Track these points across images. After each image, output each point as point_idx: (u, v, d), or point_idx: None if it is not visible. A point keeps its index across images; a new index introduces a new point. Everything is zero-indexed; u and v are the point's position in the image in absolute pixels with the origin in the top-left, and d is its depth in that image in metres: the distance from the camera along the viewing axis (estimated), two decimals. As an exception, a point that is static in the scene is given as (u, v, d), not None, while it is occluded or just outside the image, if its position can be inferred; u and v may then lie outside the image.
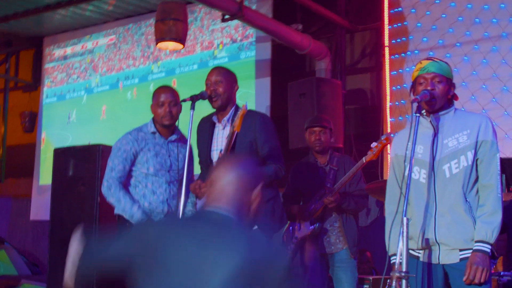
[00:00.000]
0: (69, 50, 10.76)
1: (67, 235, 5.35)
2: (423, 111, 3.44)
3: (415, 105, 3.37)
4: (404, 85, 7.86)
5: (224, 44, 8.84)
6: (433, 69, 3.44)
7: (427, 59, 3.56)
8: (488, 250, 3.25)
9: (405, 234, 3.13)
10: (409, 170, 3.30)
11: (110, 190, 4.42)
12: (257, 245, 2.27)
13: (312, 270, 4.44)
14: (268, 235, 4.12)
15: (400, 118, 7.84)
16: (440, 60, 3.53)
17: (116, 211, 4.50)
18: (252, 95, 8.41)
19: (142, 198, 4.43)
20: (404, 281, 3.10)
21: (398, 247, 3.14)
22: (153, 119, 4.56)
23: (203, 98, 4.23)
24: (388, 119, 7.84)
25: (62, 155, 5.62)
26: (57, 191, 5.65)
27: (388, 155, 6.75)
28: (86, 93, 10.36)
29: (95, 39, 10.48)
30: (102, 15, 10.01)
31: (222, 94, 4.26)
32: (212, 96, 4.26)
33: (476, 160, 3.37)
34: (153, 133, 4.52)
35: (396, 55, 7.98)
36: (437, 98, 3.40)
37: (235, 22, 7.75)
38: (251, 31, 8.51)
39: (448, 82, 3.47)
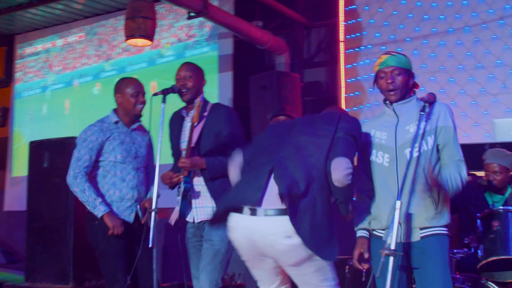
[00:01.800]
0: (40, 48, 11.11)
1: (43, 224, 5.63)
2: (387, 102, 3.69)
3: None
4: (358, 77, 8.30)
5: (171, 43, 9.31)
6: (392, 62, 3.66)
7: (386, 53, 3.75)
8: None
9: (396, 216, 3.30)
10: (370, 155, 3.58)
11: (76, 180, 4.51)
12: None
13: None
14: None
15: (355, 108, 8.26)
16: (399, 53, 3.74)
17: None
18: (214, 93, 8.77)
19: (112, 187, 4.55)
20: (391, 258, 3.26)
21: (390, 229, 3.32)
22: (115, 110, 4.69)
23: (174, 92, 4.37)
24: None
25: (37, 148, 5.77)
26: (33, 182, 5.78)
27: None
28: (50, 89, 10.78)
29: (64, 37, 10.85)
30: (71, 13, 10.30)
31: (191, 88, 4.41)
32: (182, 90, 4.41)
33: (437, 145, 3.57)
34: (116, 122, 4.64)
35: (351, 50, 8.40)
36: (398, 89, 3.63)
37: (181, 23, 8.09)
38: (195, 31, 9.00)
39: (407, 73, 3.67)
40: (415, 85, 3.74)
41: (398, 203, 3.32)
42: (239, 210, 3.37)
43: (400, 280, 3.58)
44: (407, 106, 3.67)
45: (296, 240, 3.23)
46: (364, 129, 3.78)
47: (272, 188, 3.33)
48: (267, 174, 3.39)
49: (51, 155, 5.68)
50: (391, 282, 3.33)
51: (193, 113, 4.31)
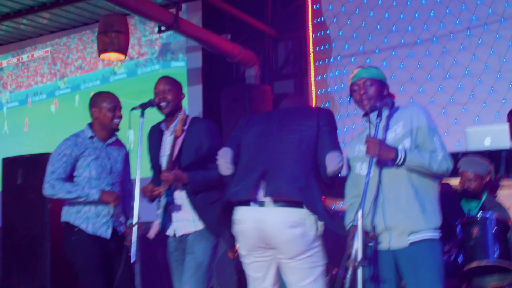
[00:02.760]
0: (4, 63, 11.00)
1: (18, 241, 5.57)
2: (364, 117, 3.75)
3: (374, 113, 3.60)
4: (328, 89, 8.38)
5: (122, 61, 9.36)
6: (364, 74, 3.74)
7: (359, 67, 3.85)
8: (400, 155, 3.48)
9: (359, 225, 3.32)
10: (368, 168, 3.49)
11: (54, 188, 4.49)
12: None
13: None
14: (215, 234, 4.32)
15: (325, 120, 8.31)
16: (370, 66, 3.84)
17: (63, 218, 4.61)
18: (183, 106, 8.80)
19: (88, 203, 4.50)
20: (360, 269, 3.29)
21: (354, 239, 3.35)
22: (90, 124, 4.67)
23: (152, 106, 4.38)
24: (315, 121, 8.30)
25: (10, 164, 5.73)
26: (7, 199, 5.73)
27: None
28: (6, 107, 10.86)
29: (29, 53, 10.77)
30: (36, 28, 10.22)
31: (171, 101, 4.43)
32: (161, 103, 4.41)
33: (417, 147, 3.60)
34: (91, 137, 4.63)
35: (320, 62, 8.49)
36: (371, 98, 3.69)
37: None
38: (146, 49, 9.21)
39: (380, 83, 3.74)
40: (391, 95, 3.78)
41: (359, 213, 3.36)
42: (245, 203, 3.62)
43: (389, 286, 3.62)
44: (383, 115, 3.69)
45: (300, 230, 3.51)
46: (350, 146, 3.90)
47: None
48: (260, 175, 3.63)
49: (25, 171, 5.63)
50: None
51: (174, 126, 4.40)
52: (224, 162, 3.87)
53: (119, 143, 4.78)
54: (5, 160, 5.79)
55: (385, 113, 3.71)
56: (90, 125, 4.68)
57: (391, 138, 3.64)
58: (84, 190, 4.48)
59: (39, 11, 9.21)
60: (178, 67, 9.13)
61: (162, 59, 9.31)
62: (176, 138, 4.23)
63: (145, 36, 9.41)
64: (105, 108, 4.62)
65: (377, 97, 3.70)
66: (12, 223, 5.66)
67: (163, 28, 7.29)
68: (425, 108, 3.73)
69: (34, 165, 5.61)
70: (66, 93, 10.10)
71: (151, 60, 9.38)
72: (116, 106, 4.64)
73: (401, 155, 3.50)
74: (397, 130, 3.65)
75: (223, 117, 8.01)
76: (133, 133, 7.92)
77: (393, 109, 3.74)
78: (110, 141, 4.69)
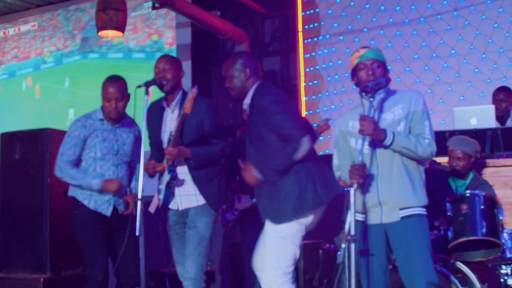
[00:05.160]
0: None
1: (17, 215, 5.64)
2: (363, 93, 3.84)
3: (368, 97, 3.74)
4: (317, 67, 8.52)
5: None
6: (371, 55, 3.87)
7: (364, 47, 3.97)
8: (389, 136, 3.67)
9: (352, 200, 3.53)
10: (361, 145, 3.69)
11: (62, 172, 4.72)
12: None
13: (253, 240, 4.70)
14: (214, 209, 4.50)
15: (313, 97, 8.48)
16: (375, 47, 3.98)
17: (70, 193, 4.80)
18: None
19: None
20: (353, 244, 3.49)
21: (347, 215, 3.56)
22: (102, 107, 4.79)
23: (155, 84, 4.49)
24: (303, 98, 8.48)
25: (8, 139, 5.77)
26: (6, 173, 5.75)
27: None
28: None
29: (17, 26, 11.00)
30: (23, 2, 10.28)
31: (171, 80, 4.54)
32: (162, 82, 4.53)
33: (410, 128, 3.80)
34: (101, 119, 4.78)
35: (309, 39, 8.61)
36: (378, 80, 3.79)
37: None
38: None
39: (384, 65, 3.91)
40: (388, 78, 3.94)
41: (351, 189, 3.57)
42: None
43: (379, 259, 3.83)
44: (382, 96, 3.88)
45: None
46: (341, 120, 4.06)
47: None
48: None
49: (23, 146, 5.67)
50: (364, 265, 3.75)
51: (176, 104, 4.57)
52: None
53: (130, 125, 4.90)
54: (4, 135, 5.82)
55: (382, 95, 3.88)
56: (102, 107, 4.80)
57: (390, 118, 3.83)
58: (86, 180, 4.66)
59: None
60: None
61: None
62: (184, 115, 4.33)
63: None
64: (103, 95, 4.75)
65: (382, 78, 3.84)
66: (11, 198, 5.67)
67: (156, 5, 7.34)
68: (421, 94, 3.92)
69: (33, 140, 5.62)
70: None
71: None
72: (110, 98, 4.69)
73: (389, 136, 3.70)
74: (395, 112, 3.84)
75: (214, 93, 8.13)
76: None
77: (390, 92, 3.93)
78: (119, 124, 4.82)
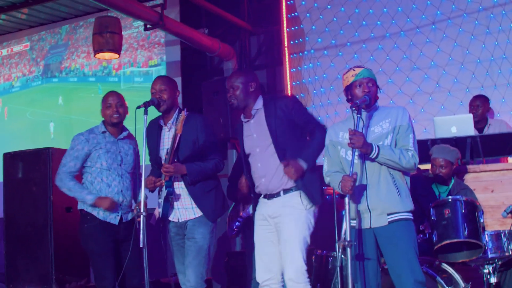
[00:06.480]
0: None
1: (21, 231, 5.83)
2: (353, 109, 4.07)
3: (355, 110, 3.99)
4: (303, 80, 8.78)
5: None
6: (367, 74, 4.17)
7: (358, 67, 4.25)
8: (374, 150, 3.95)
9: (347, 208, 3.87)
10: (352, 156, 3.97)
11: (62, 182, 4.97)
12: None
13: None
14: (211, 220, 4.74)
15: (300, 110, 8.69)
16: (368, 68, 4.25)
17: (79, 206, 5.01)
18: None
19: (99, 193, 4.93)
20: (348, 249, 3.78)
21: (343, 222, 3.85)
22: (103, 121, 5.08)
23: (153, 104, 4.75)
24: (291, 111, 8.67)
25: (11, 159, 5.98)
26: (9, 192, 5.94)
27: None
28: None
29: (10, 47, 11.23)
30: (16, 23, 10.53)
31: (167, 100, 4.79)
32: (159, 102, 4.76)
33: (396, 141, 4.10)
34: (103, 132, 5.04)
35: (295, 54, 8.88)
36: (372, 99, 4.14)
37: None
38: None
39: (376, 84, 4.22)
40: (377, 96, 4.26)
41: (346, 198, 3.90)
42: None
43: (371, 261, 4.10)
44: (372, 111, 4.20)
45: None
46: (332, 131, 4.35)
47: None
48: None
49: (25, 165, 5.87)
50: (360, 267, 4.01)
51: (172, 122, 4.80)
52: None
53: (131, 137, 5.17)
54: (6, 155, 6.02)
55: (372, 110, 4.19)
56: (103, 121, 5.09)
57: (378, 131, 4.14)
58: (82, 194, 4.91)
59: None
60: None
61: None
62: (177, 135, 4.57)
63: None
64: (103, 107, 5.06)
65: (375, 96, 4.19)
66: (15, 215, 5.86)
67: (149, 26, 7.58)
68: (407, 110, 4.21)
69: (35, 159, 5.83)
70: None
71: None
72: (111, 104, 5.01)
73: (375, 150, 4.00)
74: (383, 125, 4.15)
75: (204, 108, 8.32)
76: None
77: (379, 108, 4.24)
78: (121, 136, 5.09)
